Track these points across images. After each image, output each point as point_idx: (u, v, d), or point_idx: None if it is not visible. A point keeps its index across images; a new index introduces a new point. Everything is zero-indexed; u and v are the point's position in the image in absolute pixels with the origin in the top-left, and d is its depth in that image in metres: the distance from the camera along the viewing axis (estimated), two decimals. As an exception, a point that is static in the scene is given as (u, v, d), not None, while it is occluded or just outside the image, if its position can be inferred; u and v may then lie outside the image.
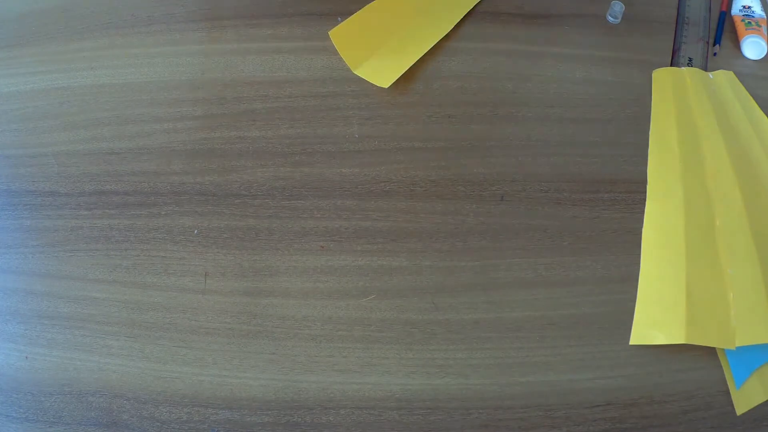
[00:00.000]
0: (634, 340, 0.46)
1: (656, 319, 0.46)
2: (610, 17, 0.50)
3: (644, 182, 0.51)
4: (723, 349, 0.45)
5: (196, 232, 0.49)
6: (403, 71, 0.42)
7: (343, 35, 0.43)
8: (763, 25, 0.58)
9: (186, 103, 0.54)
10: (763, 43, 0.57)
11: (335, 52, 0.56)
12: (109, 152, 0.53)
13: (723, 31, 0.58)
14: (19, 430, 0.44)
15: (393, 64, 0.42)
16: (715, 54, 0.58)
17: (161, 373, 0.45)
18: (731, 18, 0.60)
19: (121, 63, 0.56)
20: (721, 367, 0.45)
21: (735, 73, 0.56)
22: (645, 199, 0.50)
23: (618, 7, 0.51)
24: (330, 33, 0.42)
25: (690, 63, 0.57)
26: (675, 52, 0.57)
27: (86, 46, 0.58)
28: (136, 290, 0.48)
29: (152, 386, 0.45)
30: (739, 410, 0.44)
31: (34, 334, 0.47)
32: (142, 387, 0.45)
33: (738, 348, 0.44)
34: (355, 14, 0.43)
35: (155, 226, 0.50)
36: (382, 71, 0.42)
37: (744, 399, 0.44)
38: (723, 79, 0.56)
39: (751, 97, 0.55)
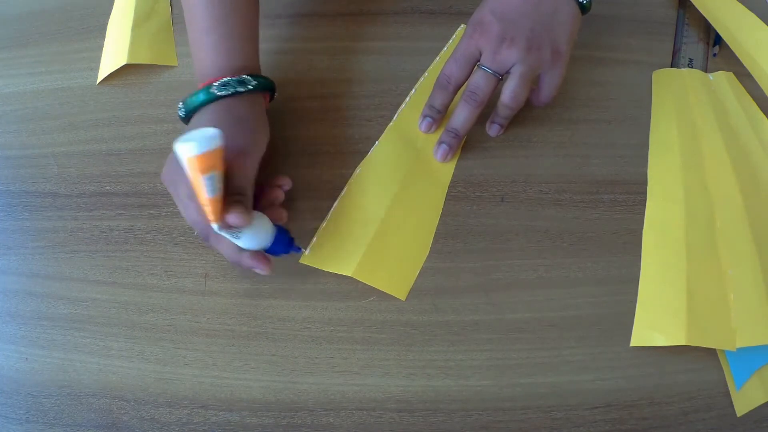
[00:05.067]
0: (634, 342, 0.46)
1: (657, 321, 0.46)
2: None
3: (644, 183, 0.51)
4: (723, 351, 0.45)
5: (195, 233, 0.49)
6: (415, 277, 0.48)
7: (365, 271, 0.47)
8: None
9: (186, 103, 0.54)
10: None
11: (335, 53, 0.56)
12: (109, 153, 0.53)
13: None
14: (19, 431, 0.44)
15: (408, 275, 0.48)
16: (714, 54, 0.58)
17: (161, 374, 0.45)
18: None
19: (120, 63, 0.56)
20: (721, 368, 0.45)
21: (735, 74, 0.56)
22: (645, 200, 0.50)
23: None
24: (352, 274, 0.46)
25: (690, 64, 0.57)
26: (675, 53, 0.57)
27: (86, 46, 0.58)
28: (136, 291, 0.48)
29: (152, 387, 0.45)
30: (740, 411, 0.44)
31: (34, 336, 0.47)
32: (142, 388, 0.45)
33: (738, 349, 0.44)
34: (366, 248, 0.47)
35: (155, 227, 0.50)
36: (400, 283, 0.47)
37: (744, 400, 0.44)
38: (723, 80, 0.56)
39: (751, 98, 0.55)
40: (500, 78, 0.48)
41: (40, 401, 0.45)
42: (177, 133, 0.53)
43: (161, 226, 0.50)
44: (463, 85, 0.49)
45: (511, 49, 0.46)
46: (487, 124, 0.52)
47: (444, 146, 0.50)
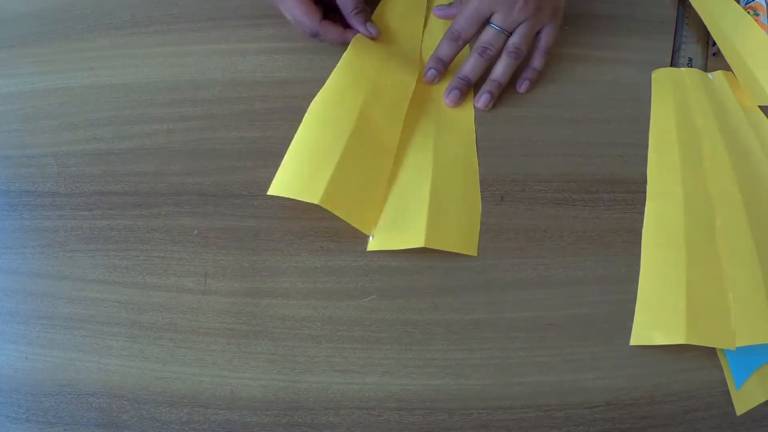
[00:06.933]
0: (634, 341, 0.46)
1: (656, 320, 0.46)
2: None
3: (644, 182, 0.51)
4: (723, 350, 0.45)
5: (195, 232, 0.49)
6: (478, 231, 0.49)
7: (436, 235, 0.47)
8: (761, 12, 0.58)
9: (186, 103, 0.54)
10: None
11: (335, 53, 0.56)
12: (109, 153, 0.53)
13: (723, 31, 0.58)
14: (19, 430, 0.44)
15: (472, 230, 0.49)
16: (714, 54, 0.58)
17: (161, 373, 0.45)
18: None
19: (121, 63, 0.56)
20: (721, 367, 0.45)
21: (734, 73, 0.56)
22: (645, 199, 0.50)
23: None
24: (425, 244, 0.46)
25: (690, 63, 0.57)
26: (675, 53, 0.57)
27: (86, 46, 0.58)
28: (135, 291, 0.48)
29: (152, 387, 0.45)
30: (739, 410, 0.44)
31: (33, 335, 0.47)
32: (142, 387, 0.45)
33: (738, 348, 0.44)
34: (428, 212, 0.48)
35: (155, 226, 0.50)
36: (468, 241, 0.49)
37: (744, 399, 0.44)
38: (722, 79, 0.56)
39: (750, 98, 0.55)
40: (508, 36, 0.52)
41: (39, 400, 0.45)
42: (177, 133, 0.54)
43: (161, 226, 0.50)
44: (470, 40, 0.54)
45: (522, 11, 0.51)
46: (478, 95, 0.54)
47: (455, 92, 0.53)
